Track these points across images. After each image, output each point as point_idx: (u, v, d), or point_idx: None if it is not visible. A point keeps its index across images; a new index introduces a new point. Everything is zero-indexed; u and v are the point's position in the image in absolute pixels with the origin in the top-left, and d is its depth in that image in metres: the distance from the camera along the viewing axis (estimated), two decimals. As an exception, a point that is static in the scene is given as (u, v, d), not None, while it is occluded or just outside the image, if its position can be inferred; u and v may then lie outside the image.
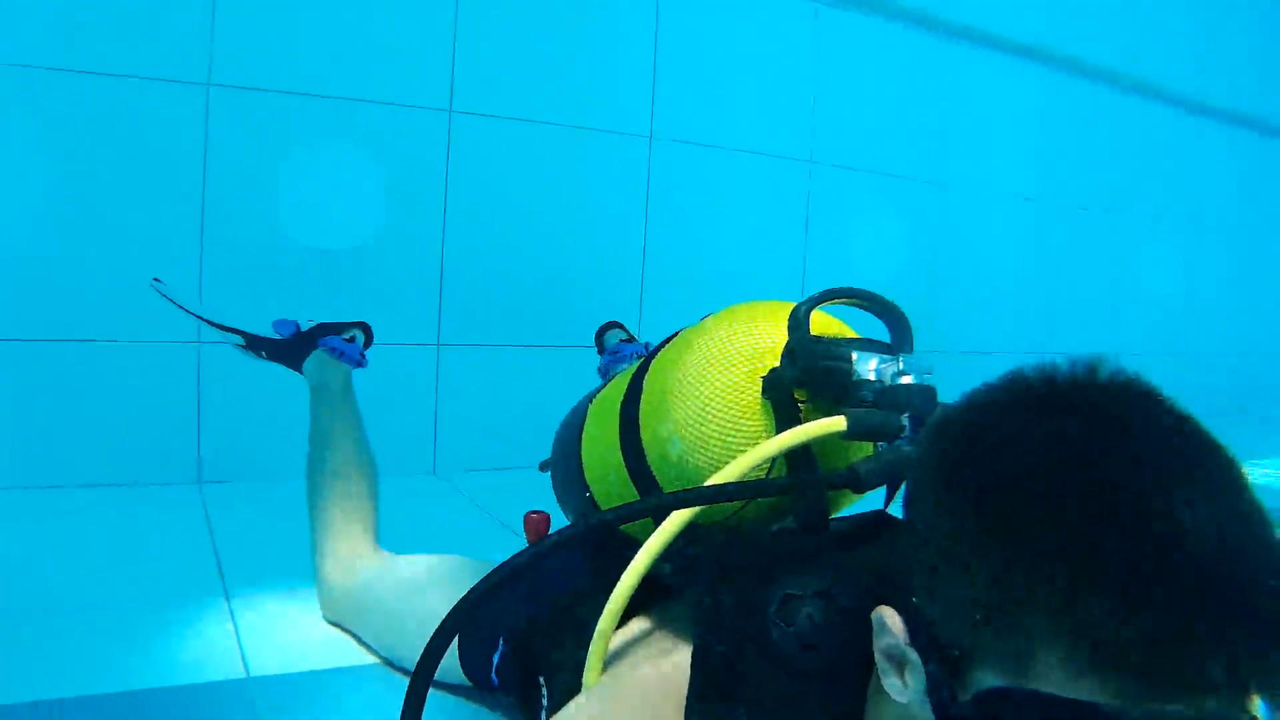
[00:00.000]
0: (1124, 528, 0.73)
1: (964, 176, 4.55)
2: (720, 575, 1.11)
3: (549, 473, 1.78)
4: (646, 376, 1.38)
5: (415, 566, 2.01)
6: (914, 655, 0.87)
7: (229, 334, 2.69)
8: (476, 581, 1.54)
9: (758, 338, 1.24)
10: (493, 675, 1.68)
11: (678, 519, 1.12)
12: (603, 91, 3.73)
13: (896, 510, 1.18)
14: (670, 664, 1.11)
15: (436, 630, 1.11)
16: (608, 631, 1.15)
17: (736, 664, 1.02)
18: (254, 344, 2.67)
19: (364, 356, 2.62)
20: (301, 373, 2.63)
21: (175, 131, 3.02)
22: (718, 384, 1.22)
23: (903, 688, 0.91)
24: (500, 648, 1.65)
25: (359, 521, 2.24)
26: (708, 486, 1.14)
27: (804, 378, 1.12)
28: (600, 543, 1.59)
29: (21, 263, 2.85)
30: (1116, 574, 0.71)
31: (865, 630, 0.97)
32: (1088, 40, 4.95)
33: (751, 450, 1.12)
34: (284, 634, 2.12)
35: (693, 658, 1.08)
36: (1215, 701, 0.72)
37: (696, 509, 1.12)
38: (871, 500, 1.23)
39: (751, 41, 4.05)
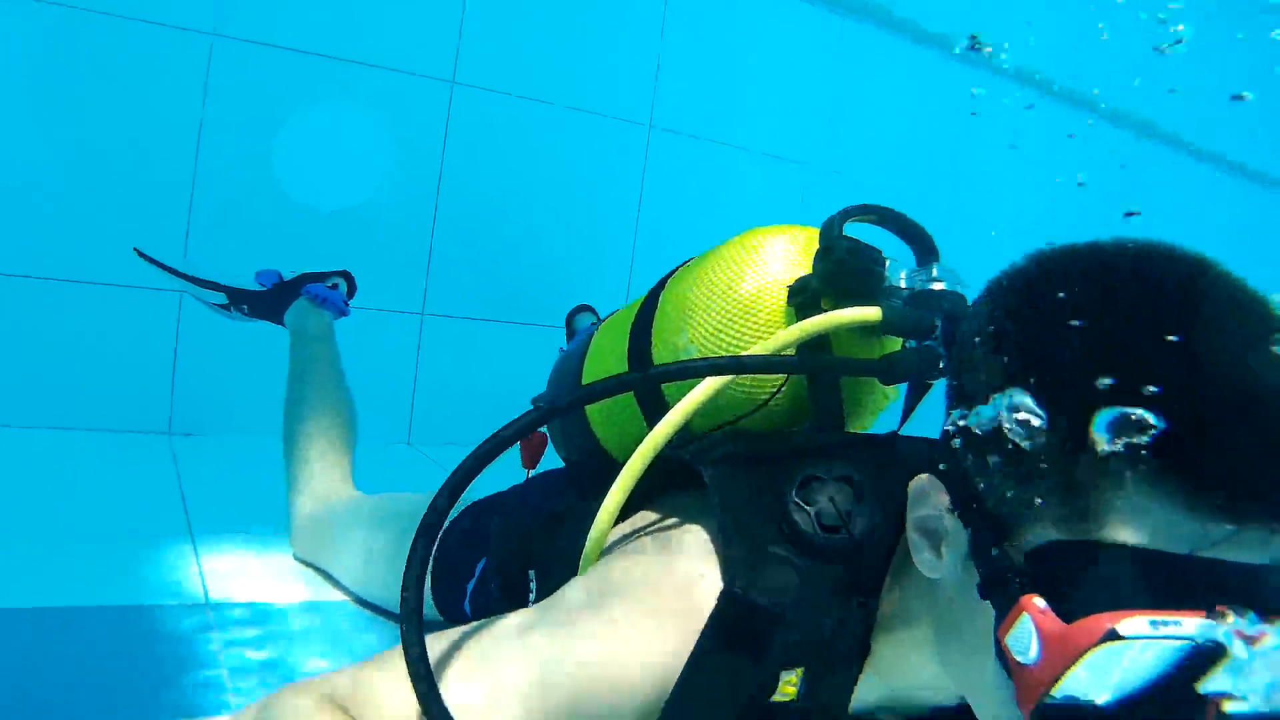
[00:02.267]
0: (1203, 362, 0.71)
1: (968, 194, 4.57)
2: (736, 456, 1.08)
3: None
4: (664, 291, 1.36)
5: (391, 501, 1.98)
6: (953, 522, 0.85)
7: (210, 292, 2.65)
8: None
9: (784, 250, 1.23)
10: (465, 605, 1.64)
11: (697, 396, 1.09)
12: (606, 76, 3.73)
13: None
14: (679, 546, 1.08)
15: (427, 511, 1.04)
16: (613, 511, 1.11)
17: (754, 546, 0.98)
18: (236, 298, 2.64)
19: (347, 304, 2.60)
20: (283, 324, 2.60)
21: (176, 78, 2.98)
22: (742, 291, 1.20)
23: (937, 561, 0.89)
24: (475, 575, 1.61)
25: (335, 459, 2.21)
26: (731, 357, 1.12)
27: (837, 274, 1.11)
28: (588, 469, 1.56)
29: (4, 197, 2.79)
30: (1198, 398, 0.70)
31: (888, 513, 0.96)
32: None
33: (780, 333, 1.10)
34: (248, 570, 2.09)
35: (713, 540, 1.05)
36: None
37: (717, 385, 1.09)
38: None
39: (757, 40, 4.06)
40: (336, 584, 2.07)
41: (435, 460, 3.27)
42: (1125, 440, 0.72)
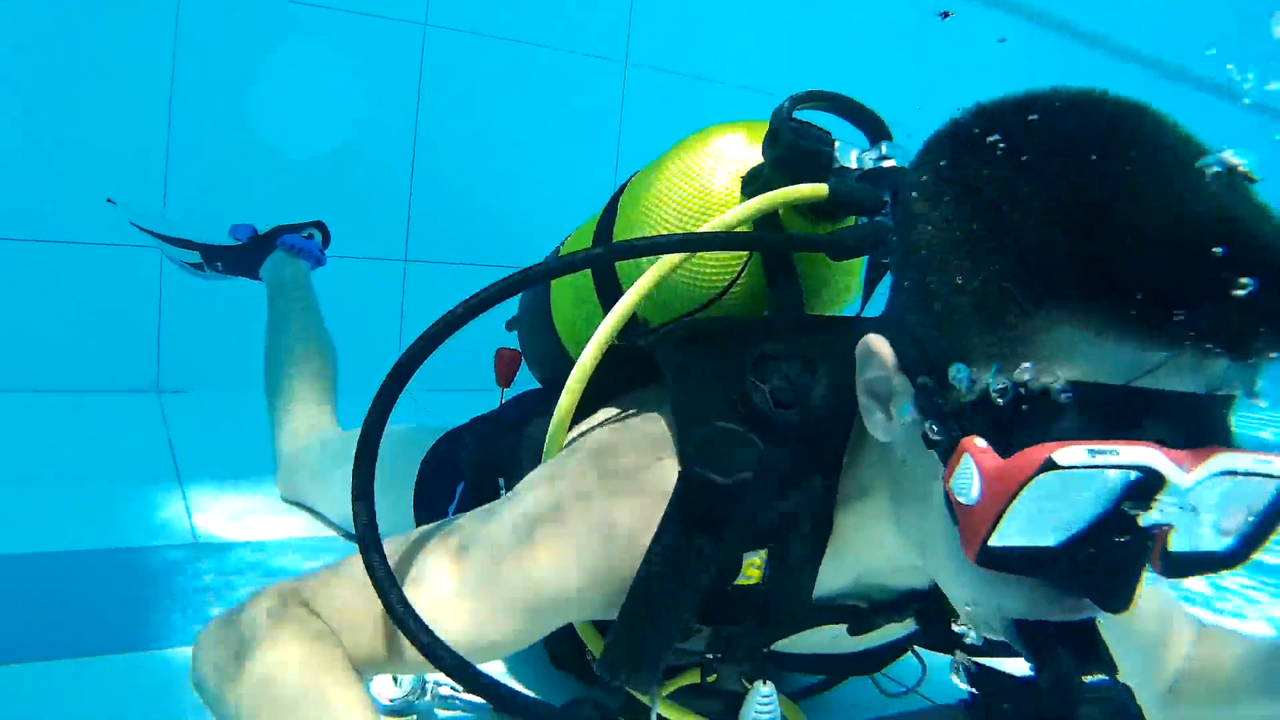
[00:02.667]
0: (1132, 193, 0.71)
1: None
2: (692, 339, 1.08)
3: (514, 331, 1.75)
4: (623, 196, 1.36)
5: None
6: (901, 380, 0.85)
7: (183, 250, 2.64)
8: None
9: (736, 141, 1.22)
10: None
11: (649, 276, 1.08)
12: (580, 13, 3.69)
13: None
14: (636, 432, 1.08)
15: (375, 395, 1.06)
16: (571, 402, 1.12)
17: (711, 425, 0.98)
18: (210, 255, 2.63)
19: (323, 254, 2.60)
20: (260, 278, 2.60)
21: (144, 30, 2.94)
22: (697, 186, 1.20)
23: (887, 423, 0.88)
24: (455, 499, 1.62)
25: (317, 399, 2.22)
26: (676, 235, 1.12)
27: (786, 157, 1.10)
28: (556, 385, 1.56)
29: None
30: (1122, 223, 0.69)
31: (844, 388, 0.95)
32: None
33: (731, 209, 1.09)
34: (236, 512, 2.11)
35: (668, 423, 1.05)
36: (1216, 367, 0.71)
37: (667, 267, 1.09)
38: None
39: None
40: (324, 521, 2.08)
41: (424, 406, 3.27)
42: (1055, 278, 0.71)
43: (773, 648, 1.13)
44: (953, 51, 4.55)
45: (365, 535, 0.98)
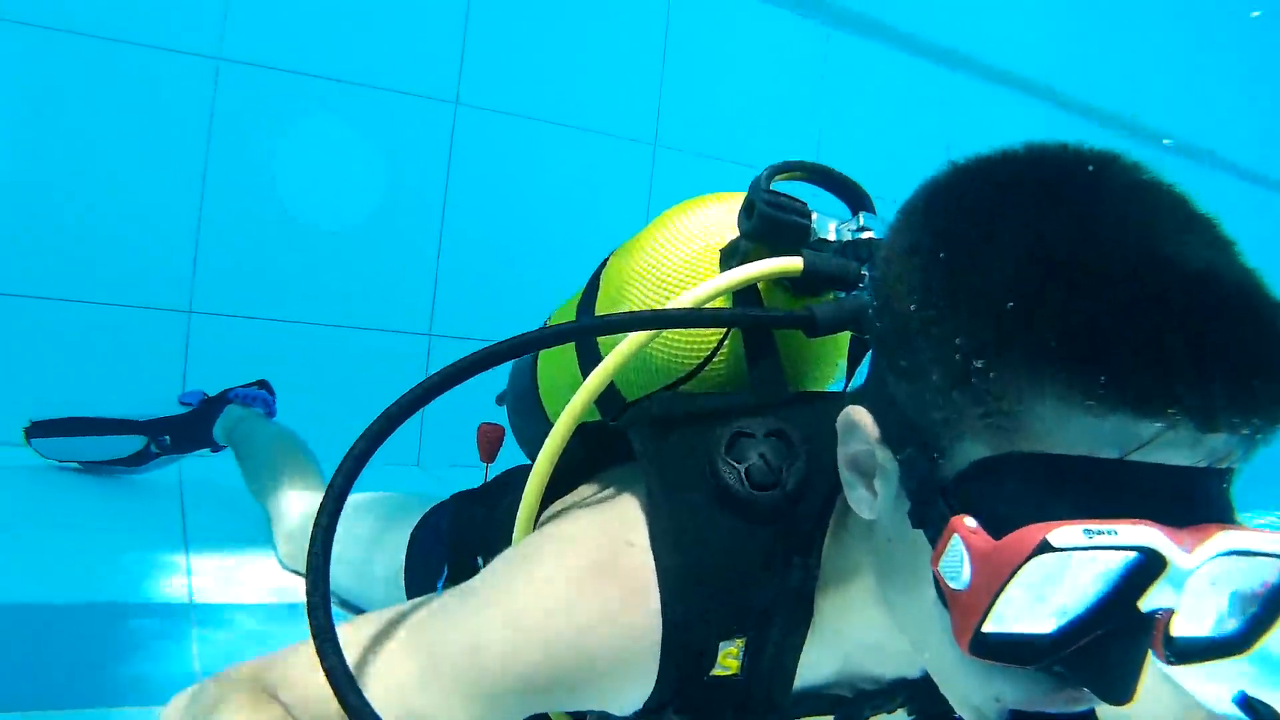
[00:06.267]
0: (1113, 251, 0.68)
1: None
2: (666, 419, 1.04)
3: (504, 406, 1.74)
4: (604, 271, 1.35)
5: (363, 496, 1.98)
6: (884, 453, 0.82)
7: (123, 440, 2.66)
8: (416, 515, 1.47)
9: (715, 215, 1.21)
10: None
11: (620, 352, 1.05)
12: (609, 96, 3.75)
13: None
14: (614, 510, 1.03)
15: (335, 472, 0.97)
16: (542, 479, 1.08)
17: (684, 509, 0.95)
18: (156, 430, 2.65)
19: (273, 406, 2.70)
20: (215, 443, 2.67)
21: (183, 102, 3.04)
22: (675, 259, 1.19)
23: (871, 499, 0.85)
24: (445, 573, 1.59)
25: (302, 481, 2.23)
26: (649, 311, 1.10)
27: (762, 230, 1.08)
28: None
29: (18, 219, 2.85)
30: (1106, 295, 0.67)
31: (823, 465, 0.92)
32: (1095, 85, 4.99)
33: (703, 283, 1.07)
34: (235, 573, 2.10)
35: (642, 506, 1.00)
36: (1215, 439, 0.69)
37: (637, 343, 1.06)
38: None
39: (759, 58, 4.07)
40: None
41: (445, 481, 3.26)
42: (1039, 347, 0.68)
43: None
44: (977, 127, 4.57)
45: (320, 627, 0.90)
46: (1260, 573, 0.75)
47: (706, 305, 1.06)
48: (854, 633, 0.98)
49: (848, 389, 1.17)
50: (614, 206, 3.79)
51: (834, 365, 1.23)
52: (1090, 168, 0.76)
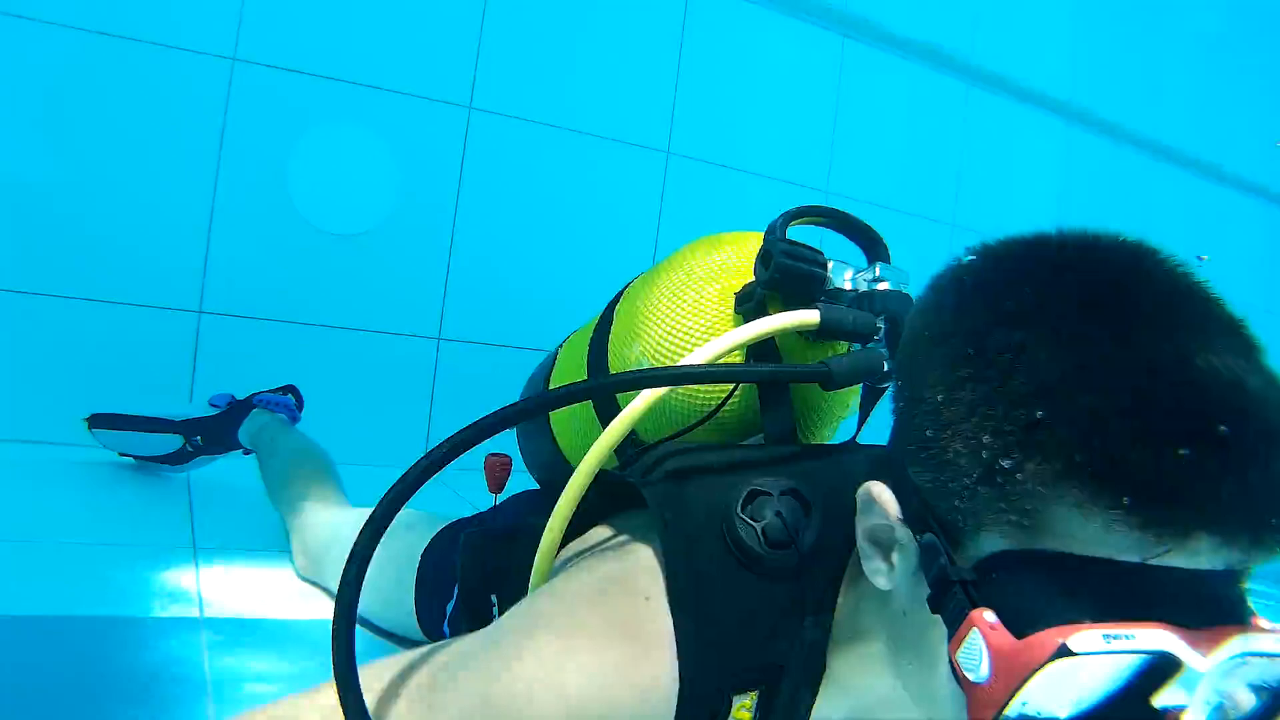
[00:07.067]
0: (1145, 369, 0.69)
1: (977, 219, 4.54)
2: (681, 473, 1.05)
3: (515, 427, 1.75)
4: (618, 306, 1.35)
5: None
6: (903, 532, 0.83)
7: (160, 438, 2.72)
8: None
9: (730, 257, 1.21)
10: (445, 627, 1.63)
11: (635, 409, 1.07)
12: (623, 102, 3.74)
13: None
14: (630, 562, 1.04)
15: (349, 555, 0.99)
16: (558, 530, 1.09)
17: (701, 566, 0.95)
18: (191, 430, 2.72)
19: (298, 412, 2.76)
20: (241, 445, 2.70)
21: (197, 103, 3.04)
22: (689, 302, 1.19)
23: (888, 571, 0.86)
24: (454, 598, 1.60)
25: (321, 493, 2.24)
26: (666, 368, 1.10)
27: (777, 279, 1.09)
28: (555, 482, 1.54)
29: (25, 217, 2.87)
30: (1140, 415, 0.68)
31: (838, 525, 0.93)
32: (1111, 100, 4.97)
33: (719, 337, 1.08)
34: (246, 584, 2.10)
35: (658, 560, 1.01)
36: (1231, 552, 0.69)
37: (655, 397, 1.07)
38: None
39: (775, 67, 4.07)
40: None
41: (450, 485, 3.27)
42: (1066, 458, 0.70)
43: None
44: (989, 140, 4.57)
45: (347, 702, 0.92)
46: (1275, 670, 0.75)
47: (723, 359, 1.06)
48: (864, 693, 1.00)
49: (857, 437, 1.18)
50: (626, 214, 3.79)
51: (845, 409, 1.23)
52: (1128, 275, 0.76)
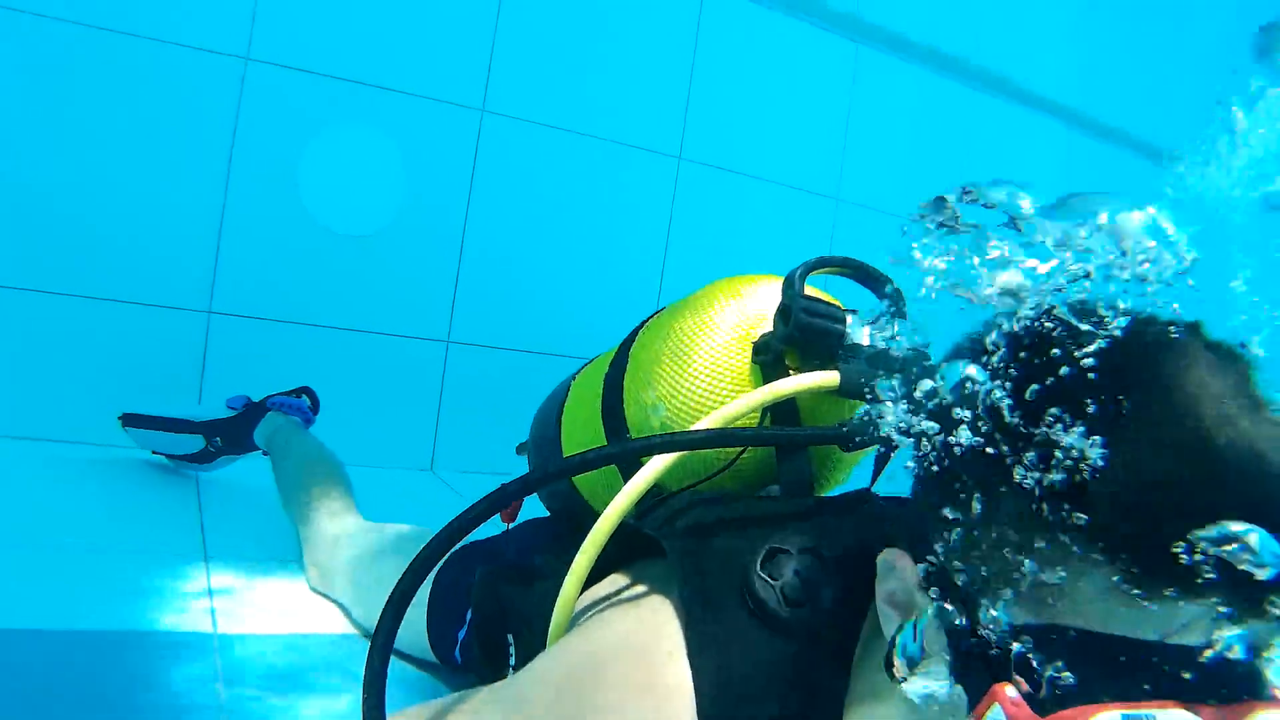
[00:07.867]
0: (1170, 447, 0.70)
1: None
2: (701, 528, 1.06)
3: (525, 456, 1.75)
4: (633, 347, 1.35)
5: (390, 531, 1.99)
6: (922, 598, 0.83)
7: (188, 439, 2.76)
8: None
9: (749, 304, 1.22)
10: (456, 653, 1.64)
11: (656, 467, 1.08)
12: (635, 107, 3.74)
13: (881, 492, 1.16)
14: (649, 617, 1.05)
15: (388, 600, 1.06)
16: (579, 581, 1.10)
17: (720, 623, 0.96)
18: (212, 431, 2.75)
19: (312, 414, 2.79)
20: (255, 445, 2.73)
21: (208, 102, 3.04)
22: (706, 348, 1.20)
23: None
24: (466, 624, 1.61)
25: (332, 503, 2.24)
26: (686, 432, 1.11)
27: (796, 336, 1.10)
28: (567, 513, 1.54)
29: (36, 214, 2.87)
30: (1165, 494, 0.68)
31: (856, 583, 0.94)
32: (1122, 107, 4.96)
33: (738, 399, 1.09)
34: (259, 599, 2.09)
35: (678, 615, 1.02)
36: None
37: (674, 458, 1.08)
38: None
39: (787, 73, 4.05)
40: (348, 616, 2.07)
41: (455, 488, 3.29)
42: (1091, 534, 0.70)
43: None
44: (1001, 148, 4.55)
45: None
46: None
47: (742, 418, 1.07)
48: None
49: (872, 487, 1.18)
50: (637, 219, 3.79)
51: (859, 457, 1.24)
52: (1155, 351, 0.76)
